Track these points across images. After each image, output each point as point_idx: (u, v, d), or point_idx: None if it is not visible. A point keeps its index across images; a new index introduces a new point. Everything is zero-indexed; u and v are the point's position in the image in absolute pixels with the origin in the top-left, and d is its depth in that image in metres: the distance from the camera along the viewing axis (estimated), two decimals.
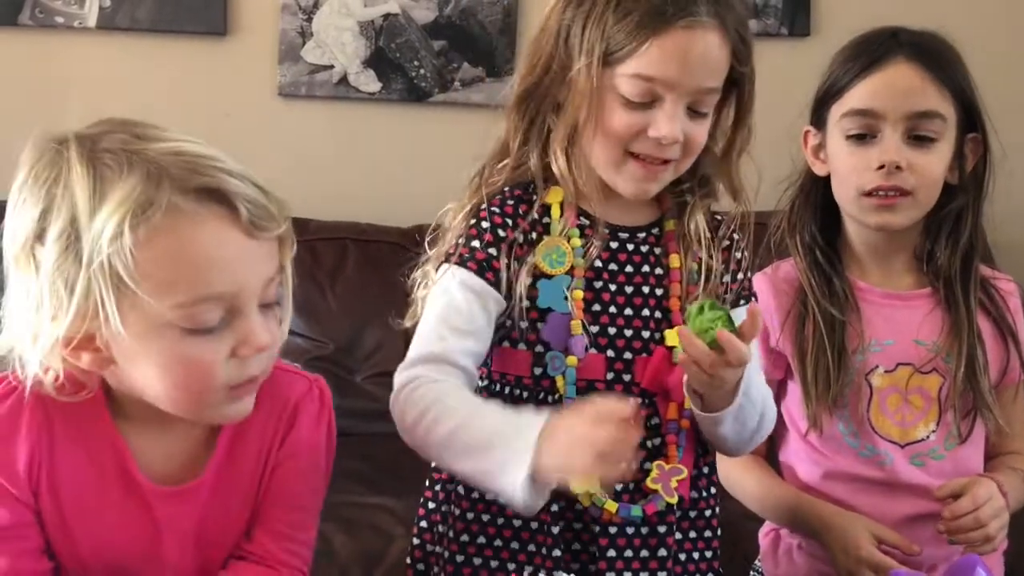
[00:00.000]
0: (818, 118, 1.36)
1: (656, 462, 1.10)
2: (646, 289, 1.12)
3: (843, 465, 1.32)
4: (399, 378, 1.08)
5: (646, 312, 1.12)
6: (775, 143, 1.40)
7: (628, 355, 1.11)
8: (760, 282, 1.38)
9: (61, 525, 0.99)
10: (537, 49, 1.12)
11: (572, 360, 1.09)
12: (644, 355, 1.11)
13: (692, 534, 1.15)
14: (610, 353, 1.11)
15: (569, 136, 1.10)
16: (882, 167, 1.27)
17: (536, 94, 1.12)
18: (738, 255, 1.17)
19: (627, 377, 1.11)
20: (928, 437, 1.32)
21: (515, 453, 0.94)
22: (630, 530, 1.10)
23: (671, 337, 1.10)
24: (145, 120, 0.95)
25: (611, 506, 1.09)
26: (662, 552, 1.11)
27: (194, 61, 2.46)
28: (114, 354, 0.92)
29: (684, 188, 1.16)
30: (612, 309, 1.11)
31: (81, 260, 0.87)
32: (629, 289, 1.12)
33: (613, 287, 1.12)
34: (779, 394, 1.38)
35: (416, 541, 1.19)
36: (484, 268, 1.09)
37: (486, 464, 0.98)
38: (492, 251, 1.10)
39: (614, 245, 1.13)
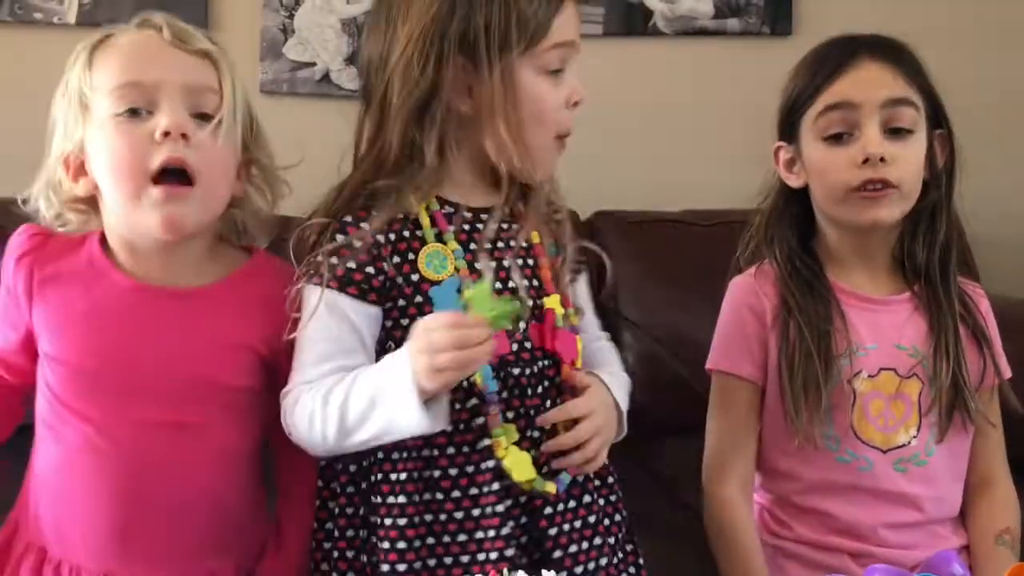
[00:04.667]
0: (788, 131, 1.36)
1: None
2: (519, 261, 1.17)
3: (820, 471, 1.33)
4: (283, 403, 1.14)
5: (524, 282, 1.16)
6: (757, 139, 1.42)
7: (522, 324, 1.15)
8: (750, 281, 1.39)
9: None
10: (413, 62, 1.11)
11: None
12: (535, 321, 1.16)
13: (601, 501, 1.21)
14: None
15: (462, 134, 1.14)
16: (866, 161, 1.27)
17: (432, 106, 1.12)
18: (569, 230, 1.24)
19: (528, 344, 1.16)
20: (910, 442, 1.33)
21: (399, 398, 1.03)
22: (563, 504, 1.16)
23: (550, 302, 1.17)
24: None
25: (551, 487, 1.13)
26: (592, 518, 1.17)
27: None
28: (90, 169, 1.16)
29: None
30: (498, 285, 1.14)
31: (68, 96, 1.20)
32: (506, 263, 1.15)
33: (493, 264, 1.15)
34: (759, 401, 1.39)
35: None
36: (347, 283, 1.12)
37: (380, 424, 1.06)
38: (351, 264, 1.12)
39: (479, 225, 1.17)
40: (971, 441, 1.37)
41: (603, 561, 1.17)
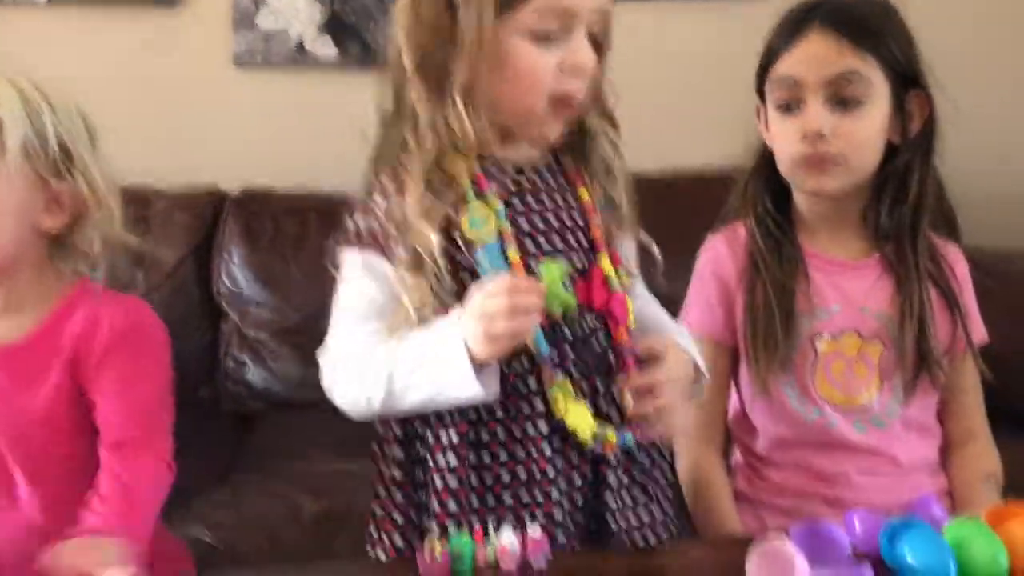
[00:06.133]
0: (760, 91, 1.38)
1: (623, 387, 1.11)
2: (565, 217, 1.14)
3: (791, 428, 1.35)
4: (322, 363, 1.13)
5: (571, 238, 1.14)
6: (735, 99, 1.42)
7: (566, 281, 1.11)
8: (719, 243, 1.41)
9: None
10: (417, 17, 1.10)
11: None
12: (580, 278, 1.12)
13: (655, 471, 1.18)
14: None
15: (466, 95, 1.08)
16: (806, 136, 1.29)
17: (432, 61, 1.09)
18: (621, 186, 1.20)
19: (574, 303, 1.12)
20: (871, 403, 1.34)
21: (452, 363, 1.02)
22: (625, 477, 1.13)
23: (602, 261, 1.13)
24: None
25: (612, 436, 1.09)
26: (650, 489, 1.15)
27: (145, 32, 2.41)
28: None
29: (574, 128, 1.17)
30: (542, 241, 1.12)
31: None
32: (552, 219, 1.13)
33: (538, 222, 1.12)
34: (734, 362, 1.40)
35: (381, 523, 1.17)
36: (377, 243, 1.10)
37: (431, 389, 1.05)
38: (383, 225, 1.10)
39: (525, 183, 1.14)
40: (944, 404, 1.39)
41: (660, 534, 1.15)
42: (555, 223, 1.14)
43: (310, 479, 1.74)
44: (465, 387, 1.03)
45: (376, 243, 1.10)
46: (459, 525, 1.08)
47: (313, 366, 2.15)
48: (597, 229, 1.15)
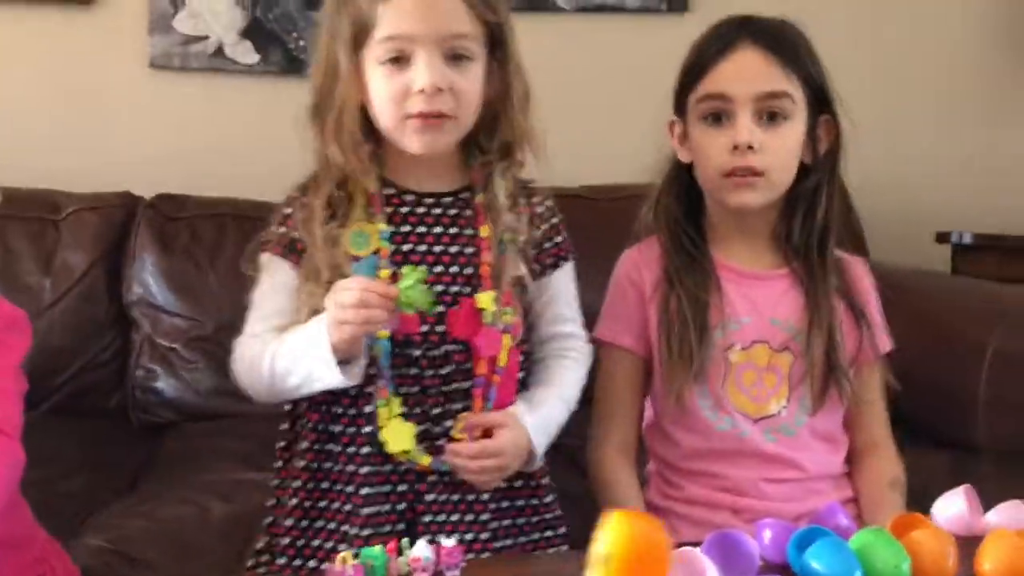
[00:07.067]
0: (679, 106, 1.41)
1: (462, 415, 1.21)
2: (454, 249, 1.22)
3: (703, 438, 1.37)
4: (234, 352, 1.26)
5: (455, 268, 1.22)
6: (654, 115, 1.44)
7: (440, 308, 1.20)
8: (634, 257, 1.43)
9: None
10: (318, 58, 1.25)
11: (383, 333, 1.18)
12: (455, 308, 1.21)
13: (518, 483, 1.26)
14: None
15: (337, 125, 1.20)
16: (736, 148, 1.32)
17: (325, 100, 1.22)
18: (554, 220, 1.30)
19: (440, 328, 1.21)
20: (780, 413, 1.38)
21: (317, 349, 1.14)
22: (448, 476, 1.21)
23: (482, 300, 1.20)
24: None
25: (424, 460, 1.20)
26: (482, 496, 1.23)
27: (58, 33, 2.35)
28: None
29: (490, 158, 1.25)
30: (422, 267, 1.19)
31: None
32: (437, 248, 1.22)
33: (422, 247, 1.22)
34: (647, 372, 1.42)
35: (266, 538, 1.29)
36: (288, 251, 1.23)
37: (303, 372, 1.17)
38: (295, 234, 1.22)
39: (420, 210, 1.23)
40: (849, 413, 1.43)
41: (480, 536, 1.23)
42: (443, 252, 1.21)
43: (222, 490, 1.70)
44: (325, 370, 1.15)
45: (285, 251, 1.23)
46: (301, 502, 1.22)
47: (228, 376, 2.13)
48: (485, 266, 1.21)
